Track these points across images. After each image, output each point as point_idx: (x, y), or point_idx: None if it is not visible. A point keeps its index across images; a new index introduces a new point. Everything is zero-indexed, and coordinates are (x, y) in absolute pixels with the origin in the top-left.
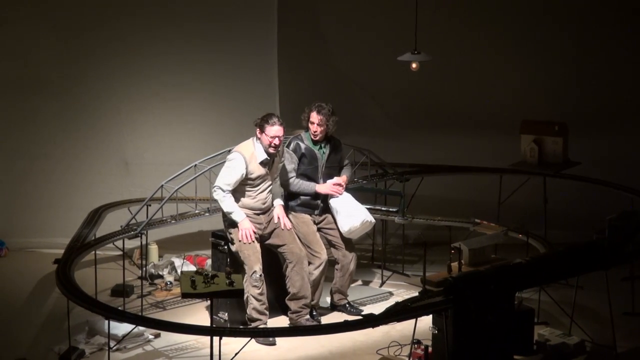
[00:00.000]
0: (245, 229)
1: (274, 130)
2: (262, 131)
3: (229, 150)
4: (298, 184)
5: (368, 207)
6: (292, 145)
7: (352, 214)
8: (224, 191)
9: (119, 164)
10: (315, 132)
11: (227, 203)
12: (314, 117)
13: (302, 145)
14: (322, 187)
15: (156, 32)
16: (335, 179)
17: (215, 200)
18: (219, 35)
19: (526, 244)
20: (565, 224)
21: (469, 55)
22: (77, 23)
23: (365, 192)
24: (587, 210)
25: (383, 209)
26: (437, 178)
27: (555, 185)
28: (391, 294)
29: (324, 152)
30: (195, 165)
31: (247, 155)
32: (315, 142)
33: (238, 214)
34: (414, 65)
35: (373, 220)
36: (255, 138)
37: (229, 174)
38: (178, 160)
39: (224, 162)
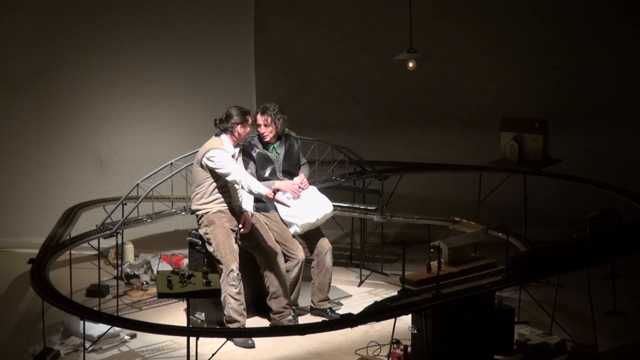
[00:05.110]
0: (286, 186)
1: (251, 120)
2: (245, 125)
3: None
4: None
5: (346, 205)
6: (244, 151)
7: (307, 212)
8: (247, 176)
9: (93, 162)
10: (263, 133)
11: (257, 186)
12: (259, 119)
13: (255, 150)
14: (282, 184)
15: (132, 30)
16: (295, 179)
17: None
18: (195, 34)
19: (506, 242)
20: (545, 222)
21: (448, 52)
22: (52, 21)
23: (344, 190)
24: (568, 208)
25: (361, 207)
26: (416, 176)
27: (536, 183)
28: (370, 293)
29: (277, 153)
30: (172, 163)
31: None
32: (267, 144)
33: (267, 189)
34: (410, 65)
35: (330, 210)
36: (221, 136)
37: (230, 164)
38: (154, 159)
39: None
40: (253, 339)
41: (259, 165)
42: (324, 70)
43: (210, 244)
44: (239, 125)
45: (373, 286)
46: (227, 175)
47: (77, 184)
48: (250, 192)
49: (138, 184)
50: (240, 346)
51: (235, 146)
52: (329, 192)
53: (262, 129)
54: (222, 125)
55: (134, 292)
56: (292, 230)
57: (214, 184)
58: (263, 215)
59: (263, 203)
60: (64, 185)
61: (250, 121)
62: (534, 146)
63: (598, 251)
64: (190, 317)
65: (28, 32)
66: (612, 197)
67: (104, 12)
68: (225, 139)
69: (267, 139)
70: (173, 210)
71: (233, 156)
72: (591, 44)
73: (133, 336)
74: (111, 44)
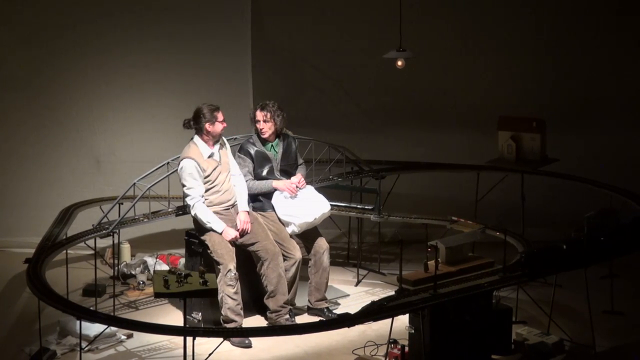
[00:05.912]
0: (230, 237)
1: (221, 116)
2: (214, 121)
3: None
4: (254, 185)
5: (343, 204)
6: (243, 149)
7: (304, 212)
8: (198, 202)
9: (90, 162)
10: (262, 129)
11: (203, 214)
12: (258, 114)
13: (254, 148)
14: (279, 183)
15: (129, 30)
16: (293, 179)
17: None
18: (192, 33)
19: (504, 241)
20: (543, 222)
21: (446, 52)
22: (49, 21)
23: (341, 190)
24: (566, 207)
25: (359, 206)
26: (413, 175)
27: (533, 182)
28: (367, 293)
29: (276, 152)
30: (168, 162)
31: (194, 156)
32: (265, 142)
33: (217, 224)
34: (399, 63)
35: (327, 210)
36: (194, 139)
37: (191, 182)
38: (150, 158)
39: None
40: (250, 338)
41: (257, 164)
42: (321, 69)
43: (207, 246)
44: (207, 123)
45: (370, 286)
46: (185, 193)
47: (74, 184)
48: (200, 220)
49: (134, 184)
50: (237, 346)
51: (213, 143)
52: (326, 191)
53: (262, 125)
54: (194, 125)
55: (131, 292)
56: (289, 229)
57: (209, 185)
58: (260, 214)
59: (260, 202)
60: (61, 185)
61: (220, 118)
62: (532, 145)
63: (596, 251)
64: (187, 316)
65: (25, 32)
66: (610, 197)
67: (100, 12)
68: (199, 142)
69: (266, 135)
70: (170, 210)
71: (211, 156)
72: (589, 43)
73: (130, 336)
74: (108, 44)
